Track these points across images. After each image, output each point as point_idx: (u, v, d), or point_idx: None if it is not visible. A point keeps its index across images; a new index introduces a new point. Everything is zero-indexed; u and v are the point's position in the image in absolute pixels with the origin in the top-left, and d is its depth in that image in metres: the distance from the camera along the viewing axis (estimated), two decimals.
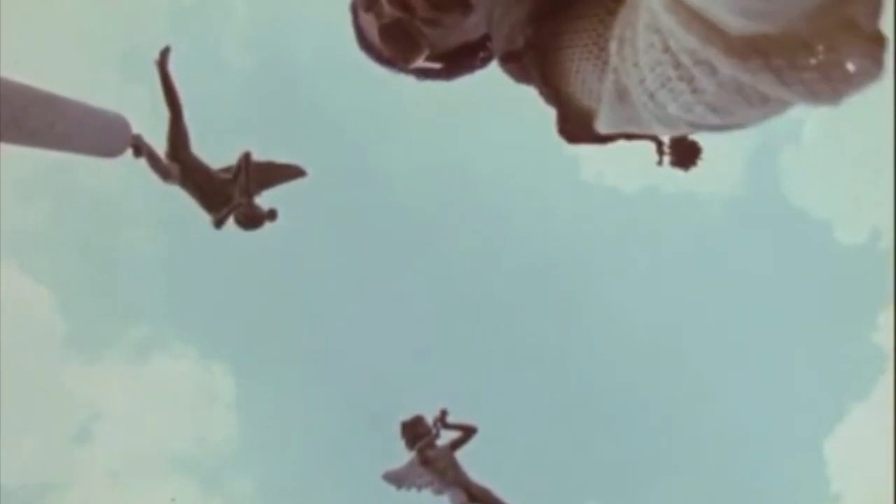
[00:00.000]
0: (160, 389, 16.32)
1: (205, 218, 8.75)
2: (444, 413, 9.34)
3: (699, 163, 9.04)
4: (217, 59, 16.20)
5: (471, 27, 1.06)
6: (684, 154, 8.90)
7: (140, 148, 7.96)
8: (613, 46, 0.75)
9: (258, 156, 8.85)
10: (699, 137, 9.01)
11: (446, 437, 9.32)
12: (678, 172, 9.36)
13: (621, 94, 0.75)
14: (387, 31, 1.04)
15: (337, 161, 15.42)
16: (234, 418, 16.32)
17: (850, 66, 0.66)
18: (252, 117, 15.63)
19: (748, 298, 16.98)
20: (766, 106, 0.67)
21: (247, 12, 16.58)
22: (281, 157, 9.17)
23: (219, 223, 8.57)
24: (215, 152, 8.84)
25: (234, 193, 8.48)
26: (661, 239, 17.18)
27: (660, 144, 9.02)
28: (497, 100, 16.53)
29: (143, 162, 8.18)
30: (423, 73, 1.13)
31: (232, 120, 14.38)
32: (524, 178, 16.95)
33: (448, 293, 16.93)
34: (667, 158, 9.12)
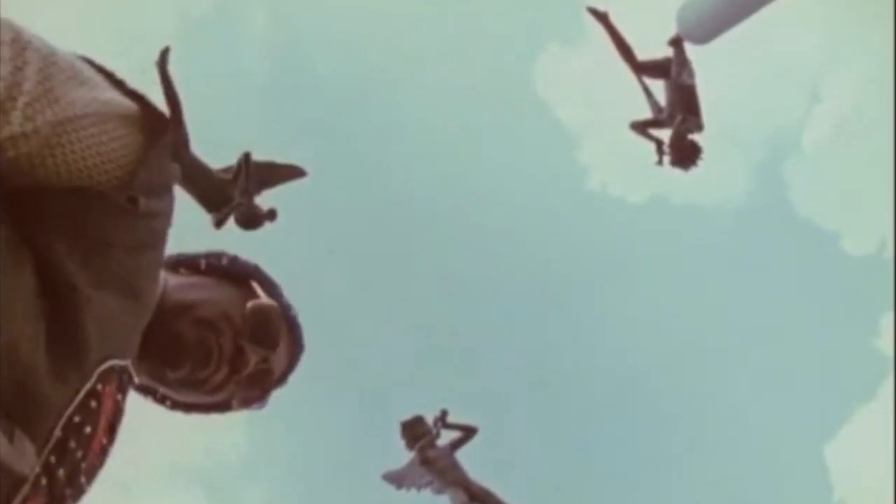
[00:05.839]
0: None
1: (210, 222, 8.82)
2: (444, 413, 9.37)
3: (699, 163, 9.05)
4: (233, 66, 16.27)
5: None
6: (684, 154, 8.91)
7: None
8: None
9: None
10: (699, 138, 9.04)
11: (447, 437, 9.36)
12: (684, 182, 9.38)
13: None
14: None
15: (343, 164, 15.47)
16: (242, 426, 16.33)
17: None
18: (266, 123, 15.70)
19: (753, 306, 16.92)
20: None
21: (266, 21, 16.65)
22: (289, 161, 9.25)
23: (219, 223, 8.60)
24: (226, 156, 8.89)
25: (234, 194, 8.52)
26: (667, 249, 17.13)
27: (660, 144, 9.05)
28: (501, 105, 16.59)
29: None
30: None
31: (245, 125, 14.44)
32: (529, 186, 16.95)
33: (450, 297, 16.93)
34: (667, 158, 9.15)
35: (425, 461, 9.02)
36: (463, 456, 9.15)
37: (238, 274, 1.09)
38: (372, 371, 16.01)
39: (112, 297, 0.80)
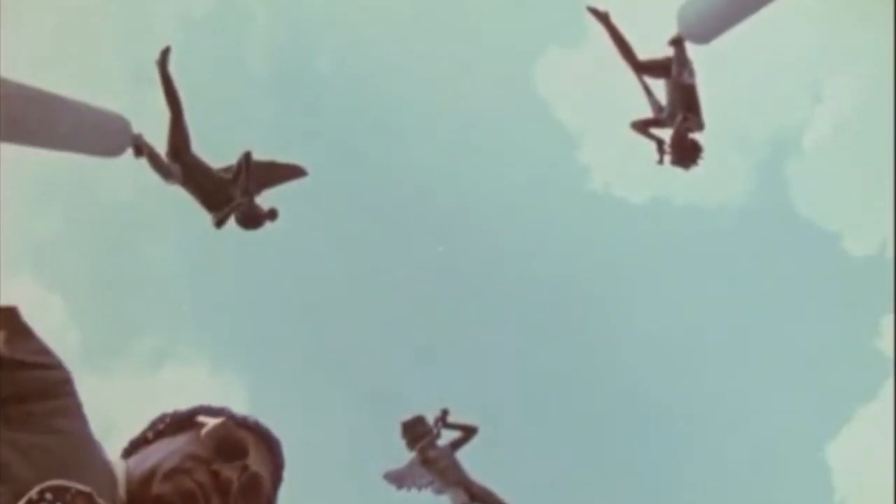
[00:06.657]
0: (173, 399, 16.31)
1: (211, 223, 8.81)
2: (444, 413, 9.35)
3: (700, 162, 9.04)
4: (235, 66, 16.29)
5: None
6: (685, 153, 8.90)
7: (141, 148, 8.01)
8: None
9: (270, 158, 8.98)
10: (700, 137, 9.04)
11: (447, 437, 9.33)
12: (685, 182, 9.35)
13: None
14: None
15: (343, 164, 15.47)
16: None
17: None
18: (267, 122, 15.71)
19: (754, 306, 16.92)
20: None
21: (267, 22, 16.67)
22: (293, 162, 9.26)
23: (220, 223, 8.61)
24: (228, 156, 8.89)
25: (234, 193, 8.52)
26: (669, 250, 17.13)
27: (661, 144, 9.04)
28: (502, 105, 16.59)
29: (145, 162, 8.24)
30: None
31: (246, 125, 14.45)
32: (530, 186, 16.96)
33: (451, 297, 16.94)
34: (667, 158, 9.14)
35: (426, 461, 9.00)
36: (463, 456, 9.14)
37: (183, 420, 1.16)
38: (372, 371, 16.03)
39: (29, 435, 0.88)
